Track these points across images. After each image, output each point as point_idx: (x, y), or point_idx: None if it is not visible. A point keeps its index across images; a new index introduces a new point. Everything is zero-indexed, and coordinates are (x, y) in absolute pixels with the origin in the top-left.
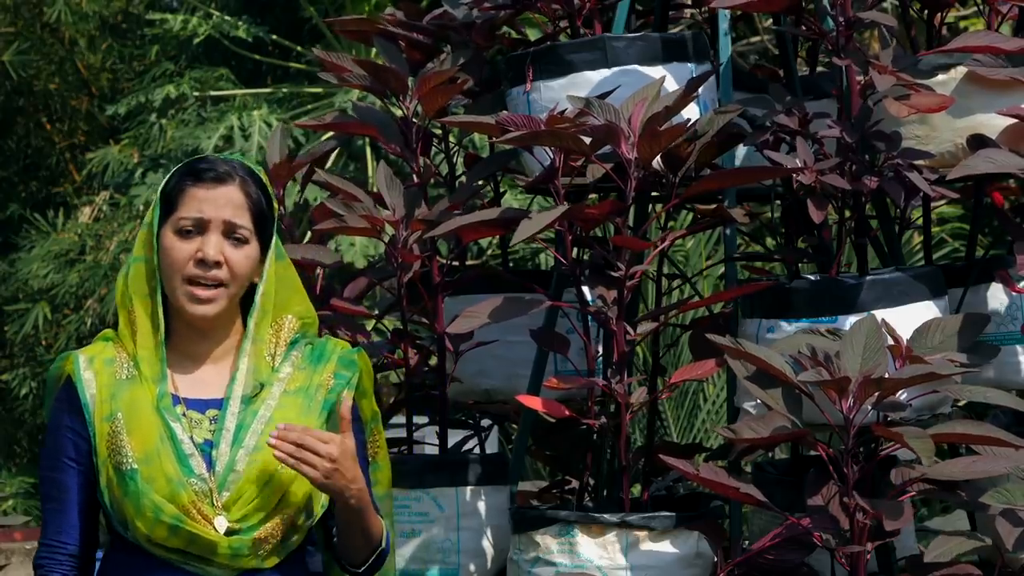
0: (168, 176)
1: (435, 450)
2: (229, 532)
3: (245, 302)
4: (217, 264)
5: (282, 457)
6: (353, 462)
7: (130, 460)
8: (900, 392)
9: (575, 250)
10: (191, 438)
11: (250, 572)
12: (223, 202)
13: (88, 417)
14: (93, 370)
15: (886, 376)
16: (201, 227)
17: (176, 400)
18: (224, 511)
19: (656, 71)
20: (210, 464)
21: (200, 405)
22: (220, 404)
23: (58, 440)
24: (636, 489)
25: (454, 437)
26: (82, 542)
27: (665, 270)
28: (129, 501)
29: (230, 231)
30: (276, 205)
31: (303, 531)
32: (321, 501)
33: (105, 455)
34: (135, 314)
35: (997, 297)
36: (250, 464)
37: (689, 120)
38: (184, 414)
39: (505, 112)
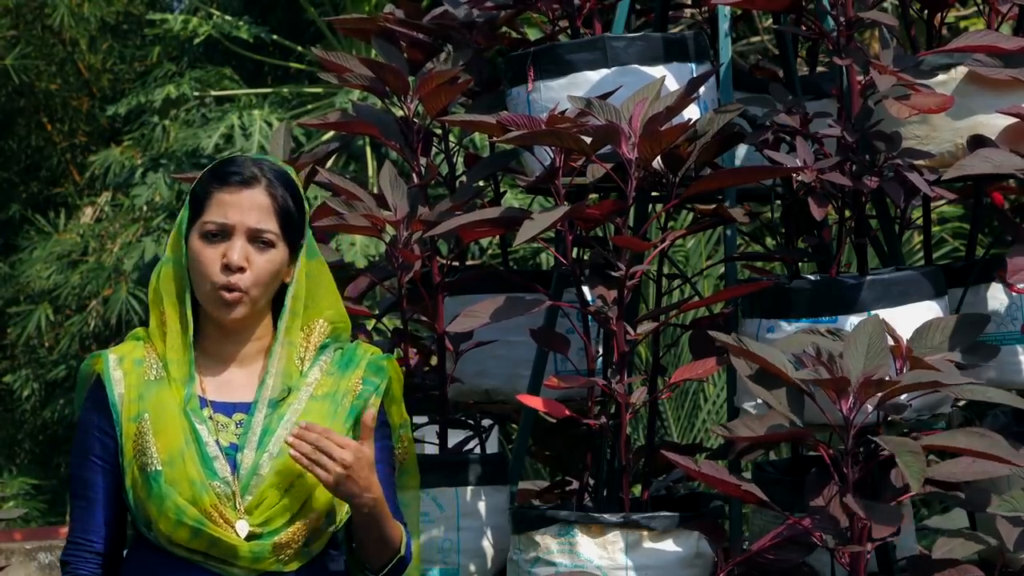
0: (198, 177)
1: (435, 450)
2: (250, 536)
3: (277, 303)
4: (241, 269)
5: (297, 456)
6: (370, 471)
7: (155, 461)
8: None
9: (575, 250)
10: (217, 441)
11: (271, 574)
12: (248, 206)
13: (116, 416)
14: (123, 369)
15: (887, 378)
16: (226, 232)
17: (203, 403)
18: (246, 515)
19: (656, 71)
20: (234, 467)
21: (227, 408)
22: (247, 408)
23: (87, 439)
24: (636, 489)
25: (454, 437)
26: (109, 540)
27: (665, 270)
28: (152, 503)
29: (255, 236)
30: (307, 206)
31: (325, 536)
32: (345, 507)
33: (131, 455)
34: (166, 315)
35: (997, 297)
36: (273, 469)
37: (690, 120)
38: (211, 417)
39: (505, 112)
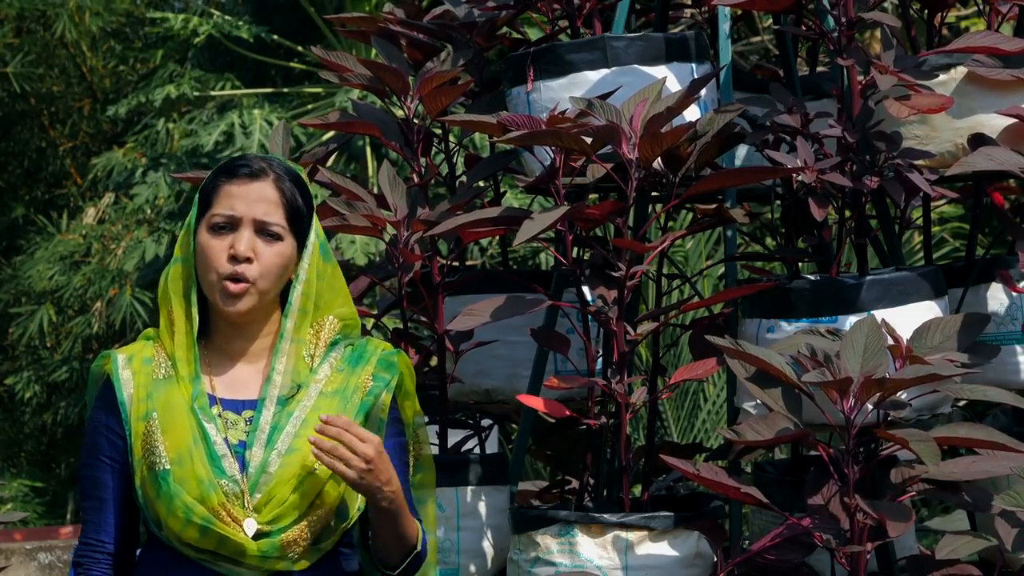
0: (208, 175)
1: (435, 450)
2: (259, 535)
3: (285, 300)
4: (248, 260)
5: (318, 454)
6: (390, 464)
7: (163, 460)
8: (900, 392)
9: (575, 250)
10: (225, 439)
11: (280, 574)
12: (255, 198)
13: (124, 416)
14: (131, 369)
15: (887, 376)
16: (233, 224)
17: (212, 400)
18: (255, 513)
19: (656, 71)
20: (243, 465)
21: (236, 405)
22: (256, 405)
23: (96, 439)
24: (636, 489)
25: (454, 437)
26: (120, 540)
27: (665, 270)
28: (161, 502)
29: (262, 228)
30: (315, 204)
31: (336, 534)
32: (357, 504)
33: (140, 455)
34: (174, 313)
35: (997, 297)
36: (283, 466)
37: (691, 120)
38: (220, 415)
39: (506, 112)
